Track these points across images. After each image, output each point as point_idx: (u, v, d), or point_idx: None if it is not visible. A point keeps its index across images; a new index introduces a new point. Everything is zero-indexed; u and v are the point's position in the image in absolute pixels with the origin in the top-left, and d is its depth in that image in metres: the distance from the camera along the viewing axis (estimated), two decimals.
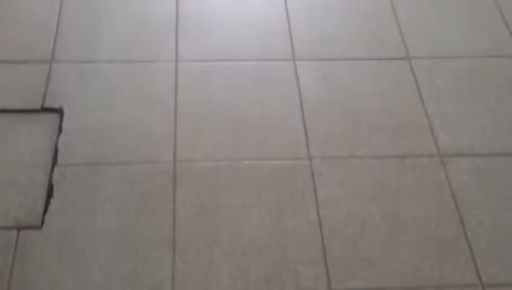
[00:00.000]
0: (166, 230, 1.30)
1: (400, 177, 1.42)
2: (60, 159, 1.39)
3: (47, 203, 1.31)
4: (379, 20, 1.78)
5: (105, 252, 1.26)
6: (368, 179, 1.42)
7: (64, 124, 1.45)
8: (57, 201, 1.32)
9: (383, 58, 1.68)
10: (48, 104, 1.49)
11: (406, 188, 1.40)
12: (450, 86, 1.63)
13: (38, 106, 1.48)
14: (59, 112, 1.48)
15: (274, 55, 1.67)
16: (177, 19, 1.73)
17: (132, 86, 1.55)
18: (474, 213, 1.37)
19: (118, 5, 1.74)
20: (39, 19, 1.67)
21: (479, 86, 1.63)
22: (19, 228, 1.27)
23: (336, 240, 1.31)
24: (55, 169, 1.37)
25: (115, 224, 1.30)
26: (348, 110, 1.55)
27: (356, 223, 1.34)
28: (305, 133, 1.49)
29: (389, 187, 1.40)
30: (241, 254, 1.28)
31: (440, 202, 1.38)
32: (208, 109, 1.52)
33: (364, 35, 1.74)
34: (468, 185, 1.42)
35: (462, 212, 1.36)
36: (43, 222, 1.28)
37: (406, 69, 1.66)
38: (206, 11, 1.76)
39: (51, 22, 1.67)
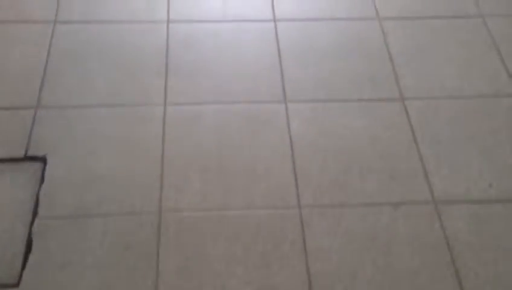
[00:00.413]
0: (149, 286, 1.24)
1: (393, 227, 1.37)
2: (41, 210, 1.35)
3: (25, 259, 1.26)
4: (372, 60, 1.74)
5: None
6: (359, 228, 1.36)
7: (47, 173, 1.42)
8: (36, 256, 1.27)
9: (376, 100, 1.64)
10: (31, 152, 1.46)
11: (399, 239, 1.35)
12: (445, 128, 1.58)
13: (21, 154, 1.45)
14: (42, 160, 1.44)
15: (265, 97, 1.64)
16: (167, 60, 1.70)
17: (119, 131, 1.52)
18: (471, 265, 1.30)
19: (107, 48, 1.71)
20: (26, 65, 1.65)
21: (476, 128, 1.58)
22: None
23: None
24: (36, 221, 1.32)
25: (96, 280, 1.24)
26: (340, 154, 1.51)
27: (347, 277, 1.28)
28: (295, 179, 1.45)
29: (381, 237, 1.35)
30: None
31: (435, 253, 1.32)
32: (195, 155, 1.48)
33: (357, 75, 1.70)
34: (464, 233, 1.36)
35: (458, 265, 1.30)
36: (21, 278, 1.23)
37: (399, 111, 1.62)
38: (197, 52, 1.74)
39: (38, 67, 1.64)
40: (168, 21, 1.82)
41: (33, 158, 1.45)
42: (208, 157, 1.48)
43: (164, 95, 1.61)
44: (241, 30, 1.81)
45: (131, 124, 1.54)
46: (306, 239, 1.34)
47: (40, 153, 1.46)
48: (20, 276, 1.24)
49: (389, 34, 1.81)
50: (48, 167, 1.43)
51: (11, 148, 1.46)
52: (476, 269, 1.30)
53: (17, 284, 1.22)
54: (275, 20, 1.85)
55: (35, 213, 1.34)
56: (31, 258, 1.27)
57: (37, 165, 1.43)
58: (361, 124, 1.58)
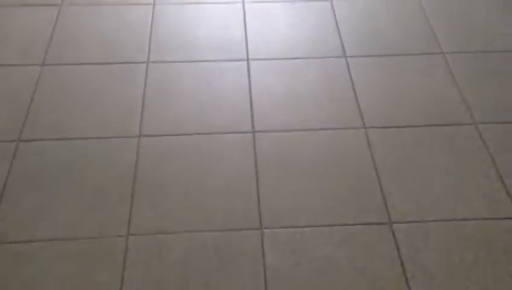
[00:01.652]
0: None
1: None
2: None
3: None
4: (357, 177, 1.60)
5: None
6: None
7: None
8: None
9: (361, 224, 1.49)
10: None
11: None
12: (438, 259, 1.41)
13: None
14: None
15: (238, 223, 1.49)
16: (134, 182, 1.58)
17: (70, 273, 1.36)
18: None
19: (71, 170, 1.59)
20: None
21: (473, 258, 1.41)
22: None
23: None
24: None
25: None
26: None
27: None
28: None
29: None
30: None
31: None
32: None
33: (340, 195, 1.55)
34: None
35: None
36: None
37: (387, 237, 1.46)
38: (167, 170, 1.61)
39: None
40: (140, 135, 1.71)
41: None
42: None
43: (127, 225, 1.47)
44: (217, 143, 1.69)
45: (86, 264, 1.38)
46: None
47: None
48: None
49: (375, 146, 1.68)
50: None
51: None
52: None
53: None
54: (253, 131, 1.74)
55: None
56: None
57: None
58: (343, 255, 1.42)
